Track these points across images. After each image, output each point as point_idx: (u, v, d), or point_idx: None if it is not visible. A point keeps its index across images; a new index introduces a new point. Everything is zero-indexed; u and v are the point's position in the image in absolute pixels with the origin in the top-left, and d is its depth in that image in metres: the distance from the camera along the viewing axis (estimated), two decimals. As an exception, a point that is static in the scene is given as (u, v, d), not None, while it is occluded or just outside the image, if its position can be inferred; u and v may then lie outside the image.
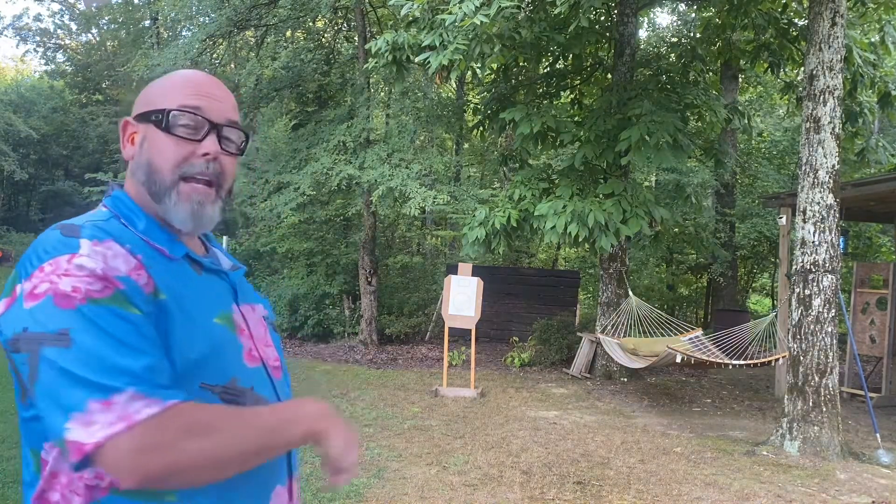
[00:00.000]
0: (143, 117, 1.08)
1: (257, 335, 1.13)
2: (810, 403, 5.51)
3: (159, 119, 1.05)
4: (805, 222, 5.67)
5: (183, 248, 1.07)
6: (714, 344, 7.20)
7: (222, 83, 1.15)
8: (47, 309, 0.89)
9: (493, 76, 10.01)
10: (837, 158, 5.63)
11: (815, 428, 5.45)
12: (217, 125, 1.07)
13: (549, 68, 10.11)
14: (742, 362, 6.69)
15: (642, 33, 13.26)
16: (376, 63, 7.08)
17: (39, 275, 0.91)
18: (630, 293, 8.35)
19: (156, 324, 0.94)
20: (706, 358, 6.80)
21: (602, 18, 9.25)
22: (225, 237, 8.90)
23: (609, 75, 9.42)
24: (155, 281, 0.97)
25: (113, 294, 0.91)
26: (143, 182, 1.07)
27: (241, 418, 0.94)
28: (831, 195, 5.59)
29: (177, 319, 0.97)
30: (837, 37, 5.62)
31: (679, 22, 13.53)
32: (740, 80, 13.09)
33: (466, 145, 15.71)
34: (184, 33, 14.91)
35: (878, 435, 5.78)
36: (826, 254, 5.57)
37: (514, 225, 7.97)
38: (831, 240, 5.58)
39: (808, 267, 5.62)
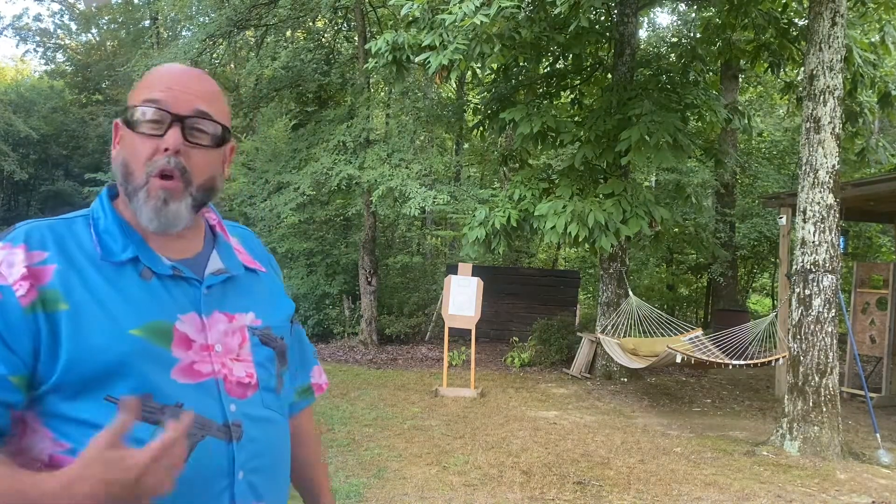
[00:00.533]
0: (122, 116, 1.06)
1: (224, 348, 1.05)
2: (810, 403, 5.51)
3: (126, 116, 1.03)
4: (805, 222, 5.67)
5: (133, 251, 1.02)
6: (714, 344, 7.20)
7: (201, 74, 1.11)
8: None
9: (493, 76, 10.01)
10: (837, 158, 5.63)
11: (816, 428, 5.45)
12: (181, 117, 1.02)
13: (549, 68, 10.11)
14: (742, 362, 6.69)
15: (642, 33, 13.27)
16: (376, 63, 7.08)
17: None
18: (630, 293, 8.35)
19: (34, 336, 0.93)
20: (706, 358, 6.80)
21: (602, 18, 9.25)
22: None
23: (609, 75, 9.42)
24: (48, 291, 0.94)
25: None
26: (120, 183, 1.05)
27: None
28: (831, 195, 5.59)
29: (73, 332, 0.94)
30: (837, 37, 5.62)
31: (679, 22, 13.54)
32: (740, 80, 13.10)
33: (466, 145, 15.70)
34: (184, 33, 14.92)
35: (878, 435, 5.78)
36: (826, 254, 5.57)
37: (514, 225, 7.97)
38: (831, 240, 5.58)
39: (808, 267, 5.62)
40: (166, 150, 1.01)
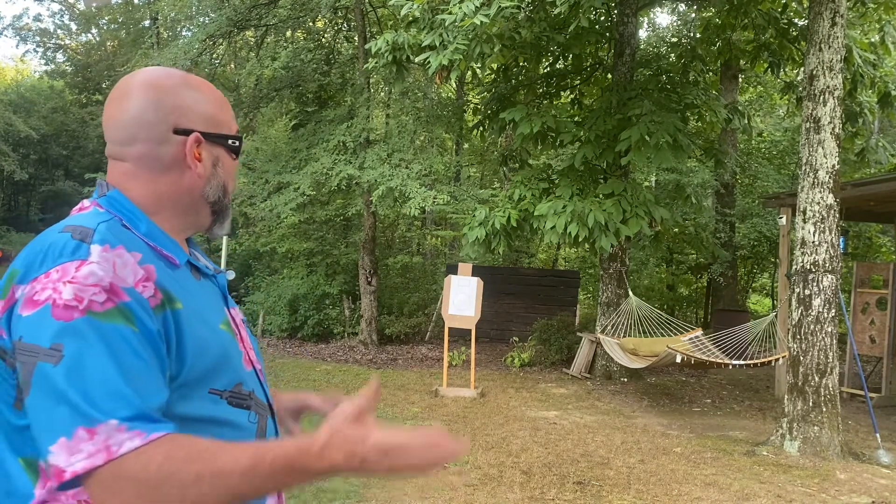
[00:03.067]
0: (217, 139, 1.08)
1: (245, 339, 1.12)
2: (810, 403, 5.51)
3: (233, 146, 1.11)
4: (805, 222, 5.67)
5: (185, 253, 1.06)
6: (714, 344, 7.20)
7: None
8: (44, 319, 0.85)
9: (493, 76, 10.01)
10: (837, 158, 5.63)
11: (815, 428, 5.45)
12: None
13: (549, 68, 10.11)
14: (742, 362, 6.69)
15: (642, 33, 13.26)
16: (376, 63, 7.08)
17: (44, 280, 0.88)
18: (630, 293, 8.35)
19: (165, 337, 0.91)
20: (706, 358, 6.80)
21: (602, 18, 9.25)
22: (225, 238, 8.92)
23: (609, 75, 9.42)
24: (165, 291, 0.94)
25: (115, 308, 0.87)
26: (211, 202, 1.10)
27: (232, 457, 0.85)
28: (831, 195, 5.59)
29: (190, 328, 0.94)
30: (837, 37, 5.62)
31: (679, 22, 13.53)
32: (740, 80, 13.10)
33: (466, 145, 15.71)
34: (184, 33, 14.91)
35: (878, 435, 5.78)
36: (826, 254, 5.57)
37: (514, 225, 7.97)
38: (831, 240, 5.58)
39: (808, 267, 5.62)
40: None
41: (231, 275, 1.24)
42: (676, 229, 11.24)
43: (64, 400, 0.82)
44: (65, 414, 0.81)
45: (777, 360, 6.90)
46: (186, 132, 1.04)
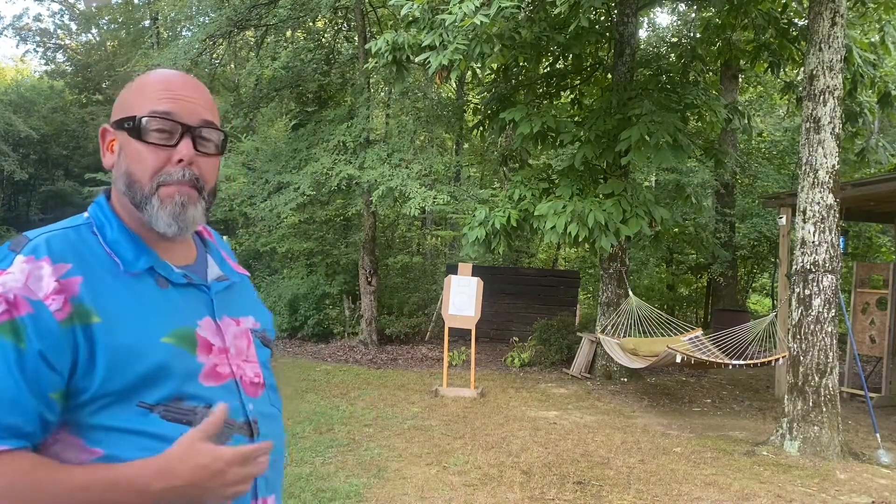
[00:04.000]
0: (118, 124, 1.05)
1: (236, 350, 1.10)
2: (810, 403, 5.51)
3: (131, 126, 1.03)
4: (805, 222, 5.67)
5: (148, 261, 1.04)
6: (714, 344, 7.20)
7: (196, 81, 1.11)
8: None
9: (493, 76, 10.00)
10: (837, 158, 5.63)
11: (815, 428, 5.45)
12: (190, 128, 1.04)
13: (549, 68, 10.11)
14: (742, 362, 6.69)
15: (642, 33, 13.26)
16: (376, 63, 7.08)
17: None
18: (630, 293, 8.35)
19: (73, 349, 0.93)
20: (706, 358, 6.80)
21: (602, 18, 9.25)
22: (225, 236, 8.91)
23: (609, 75, 9.42)
24: (80, 305, 0.94)
25: (9, 322, 0.90)
26: (123, 192, 1.05)
27: (42, 486, 0.87)
28: (831, 195, 5.59)
29: (106, 341, 0.95)
30: (837, 37, 5.62)
31: (679, 22, 13.53)
32: (740, 80, 13.09)
33: (466, 145, 15.70)
34: (184, 33, 14.92)
35: (878, 435, 5.78)
36: (826, 254, 5.57)
37: (514, 225, 7.97)
38: (831, 240, 5.58)
39: (808, 267, 5.62)
40: (180, 160, 1.03)
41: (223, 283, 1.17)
42: (676, 229, 11.25)
43: None
44: None
45: (777, 360, 6.90)
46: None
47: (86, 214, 1.07)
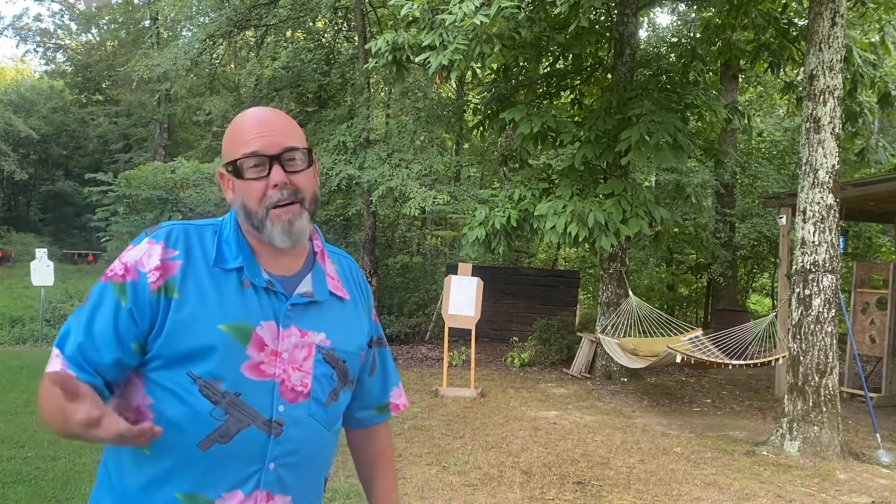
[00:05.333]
0: (227, 168, 1.27)
1: (290, 357, 1.23)
2: (810, 403, 5.51)
3: (233, 170, 1.25)
4: (805, 222, 5.67)
5: (239, 262, 1.23)
6: (714, 344, 7.20)
7: (275, 114, 1.29)
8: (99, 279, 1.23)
9: (493, 76, 10.00)
10: (837, 158, 5.63)
11: (815, 428, 5.45)
12: (275, 157, 1.22)
13: (549, 68, 10.11)
14: (742, 362, 6.69)
15: (642, 33, 13.26)
16: (376, 63, 7.08)
17: (121, 254, 1.23)
18: (630, 293, 8.35)
19: (152, 312, 1.17)
20: (706, 358, 6.80)
21: (602, 18, 9.25)
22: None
23: (609, 75, 9.42)
24: (170, 282, 1.18)
25: (122, 282, 1.18)
26: (244, 221, 1.26)
27: (59, 399, 1.04)
28: (831, 195, 5.59)
29: (175, 315, 1.17)
30: (837, 37, 5.62)
31: (679, 22, 13.54)
32: (740, 80, 13.09)
33: (466, 145, 15.71)
34: (184, 33, 14.92)
35: (878, 435, 5.78)
36: (826, 254, 5.57)
37: (514, 225, 7.96)
38: (831, 240, 5.58)
39: (808, 267, 5.62)
40: (275, 185, 1.22)
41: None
42: (676, 229, 11.24)
43: (64, 326, 1.20)
44: (60, 336, 1.19)
45: (777, 360, 6.90)
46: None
47: (224, 216, 1.31)
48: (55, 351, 1.17)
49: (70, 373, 1.12)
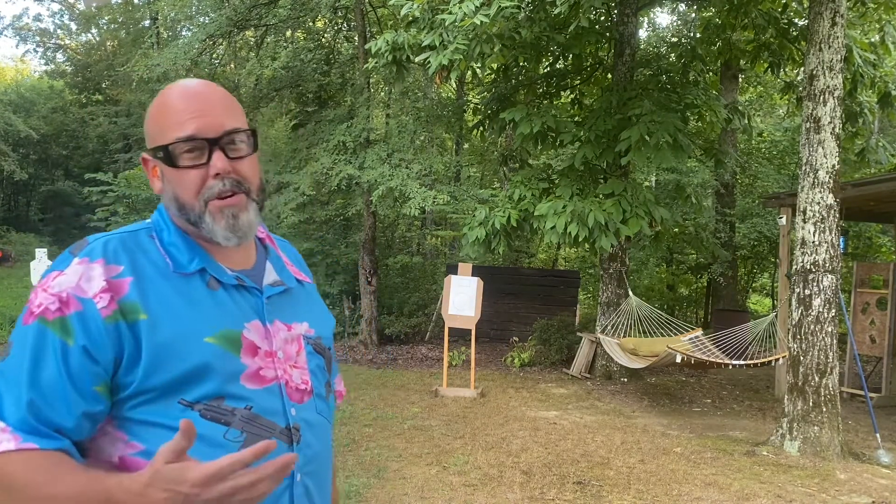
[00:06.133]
0: (153, 154, 1.09)
1: (284, 355, 1.11)
2: (810, 403, 5.51)
3: (164, 157, 1.06)
4: (805, 222, 5.67)
5: (200, 262, 1.08)
6: (714, 344, 7.20)
7: (210, 88, 1.11)
8: (19, 319, 1.00)
9: (493, 76, 10.00)
10: (837, 158, 5.63)
11: (815, 428, 5.45)
12: (216, 140, 1.06)
13: (549, 68, 10.11)
14: (742, 362, 6.68)
15: (642, 33, 13.25)
16: (376, 63, 7.08)
17: (39, 285, 1.01)
18: (630, 293, 8.35)
19: (110, 345, 0.98)
20: (706, 358, 6.79)
21: (602, 18, 9.24)
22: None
23: (609, 75, 9.42)
24: (128, 303, 0.99)
25: (61, 317, 0.97)
26: (177, 216, 1.10)
27: (44, 486, 0.91)
28: (831, 195, 5.59)
29: (151, 338, 0.99)
30: (837, 37, 5.62)
31: (679, 22, 13.54)
32: (740, 80, 13.09)
33: (466, 145, 15.71)
34: (184, 33, 14.92)
35: (878, 435, 5.78)
36: (826, 254, 5.57)
37: (514, 225, 7.96)
38: (831, 240, 5.58)
39: (808, 267, 5.62)
40: (216, 174, 1.06)
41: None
42: (676, 229, 11.24)
43: None
44: None
45: (777, 360, 6.90)
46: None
47: (148, 220, 1.13)
48: (12, 437, 0.93)
49: (30, 445, 0.93)
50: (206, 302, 1.05)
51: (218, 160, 1.05)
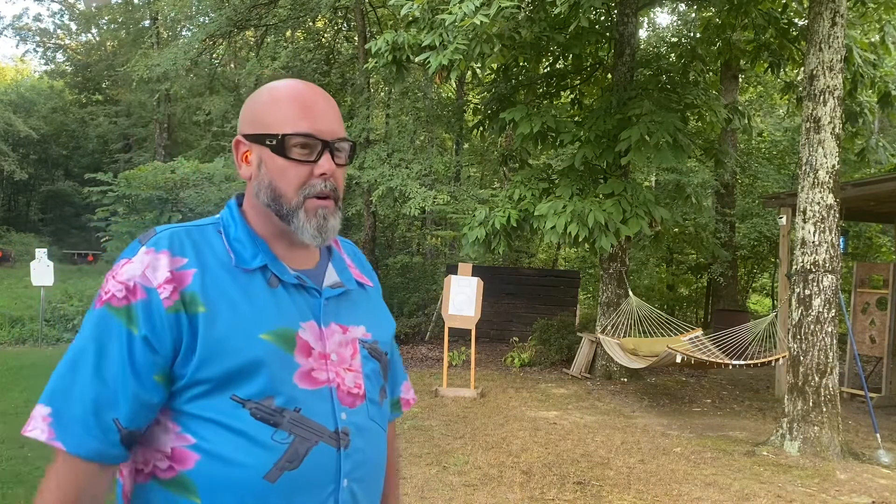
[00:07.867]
0: (257, 139, 1.10)
1: (338, 358, 1.10)
2: (810, 403, 5.51)
3: (274, 144, 1.08)
4: (805, 222, 5.67)
5: (263, 259, 1.08)
6: (714, 344, 7.20)
7: (326, 94, 1.15)
8: (93, 303, 1.03)
9: (493, 76, 10.00)
10: (837, 158, 5.63)
11: (816, 428, 5.45)
12: (329, 143, 1.10)
13: (549, 68, 10.11)
14: (742, 362, 6.68)
15: (642, 33, 13.27)
16: (376, 63, 7.08)
17: (110, 272, 1.04)
18: (630, 293, 8.35)
19: (169, 337, 0.99)
20: (706, 358, 6.79)
21: (602, 18, 9.25)
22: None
23: (609, 75, 9.42)
24: (190, 295, 1.00)
25: (127, 306, 0.99)
26: (267, 204, 1.10)
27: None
28: (831, 195, 5.59)
29: (208, 331, 1.00)
30: (837, 37, 5.62)
31: (679, 22, 13.54)
32: (740, 80, 13.09)
33: (466, 145, 15.70)
34: (184, 33, 14.93)
35: (878, 435, 5.78)
36: (826, 254, 5.57)
37: (514, 225, 7.96)
38: (831, 240, 5.58)
39: (808, 267, 5.62)
40: (322, 174, 1.09)
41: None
42: (676, 229, 11.25)
43: (52, 376, 1.01)
44: (48, 387, 1.00)
45: (777, 360, 6.90)
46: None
47: (217, 216, 1.15)
48: (47, 429, 0.96)
49: (57, 445, 0.96)
50: (265, 299, 1.06)
51: (326, 161, 1.09)
